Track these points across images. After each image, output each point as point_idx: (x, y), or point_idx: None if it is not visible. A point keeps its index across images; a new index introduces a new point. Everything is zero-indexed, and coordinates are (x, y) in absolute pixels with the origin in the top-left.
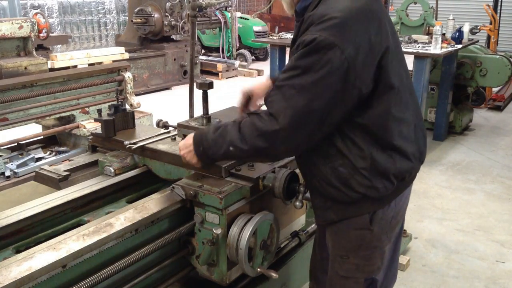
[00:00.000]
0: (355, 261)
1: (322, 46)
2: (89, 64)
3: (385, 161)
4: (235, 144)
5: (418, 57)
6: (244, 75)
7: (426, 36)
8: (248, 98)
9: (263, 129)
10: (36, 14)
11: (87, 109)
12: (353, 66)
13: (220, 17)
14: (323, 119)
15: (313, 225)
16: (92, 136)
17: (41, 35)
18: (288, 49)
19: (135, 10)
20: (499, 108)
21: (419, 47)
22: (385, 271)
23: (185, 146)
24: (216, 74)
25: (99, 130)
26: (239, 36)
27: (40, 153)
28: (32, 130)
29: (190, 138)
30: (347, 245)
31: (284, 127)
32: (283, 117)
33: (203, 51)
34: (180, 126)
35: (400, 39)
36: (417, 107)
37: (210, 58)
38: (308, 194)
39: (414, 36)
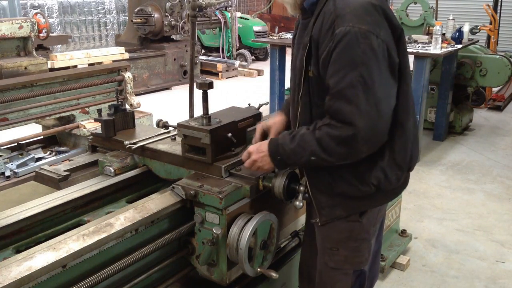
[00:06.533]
0: (344, 253)
1: (358, 37)
2: (89, 64)
3: (402, 150)
4: (317, 154)
5: (418, 57)
6: (244, 75)
7: (426, 36)
8: (264, 134)
9: (342, 136)
10: (36, 14)
11: (87, 109)
12: (390, 45)
13: (220, 17)
14: (390, 104)
15: None
16: (92, 136)
17: (41, 35)
18: (288, 49)
19: (135, 10)
20: (499, 108)
21: (419, 47)
22: (370, 264)
23: (258, 151)
24: (216, 74)
25: (99, 130)
26: (239, 36)
27: (40, 153)
28: (32, 130)
29: (263, 145)
30: (337, 237)
31: (361, 128)
32: (356, 119)
33: (203, 51)
34: (180, 126)
35: None
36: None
37: (210, 58)
38: (307, 194)
39: (414, 36)
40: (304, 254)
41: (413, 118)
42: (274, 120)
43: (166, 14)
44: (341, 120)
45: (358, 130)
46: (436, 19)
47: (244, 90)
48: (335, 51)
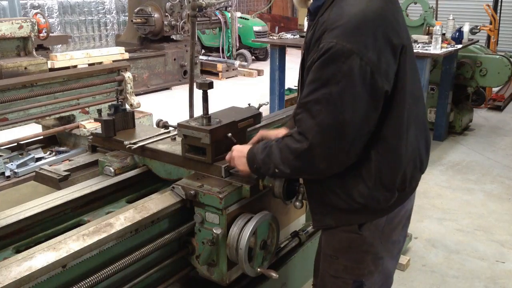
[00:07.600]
0: (344, 263)
1: (339, 55)
2: (89, 64)
3: (390, 173)
4: (278, 167)
5: (418, 57)
6: (244, 75)
7: (426, 36)
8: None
9: (297, 150)
10: (36, 14)
11: (87, 109)
12: (378, 70)
13: (220, 17)
14: (360, 128)
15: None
16: (92, 136)
17: (41, 35)
18: (288, 49)
19: (135, 10)
20: (499, 108)
21: (419, 47)
22: (384, 279)
23: (238, 154)
24: (216, 74)
25: (99, 130)
26: (239, 36)
27: (40, 153)
28: (32, 130)
29: (244, 149)
30: (336, 246)
31: (316, 145)
32: (313, 135)
33: (203, 51)
34: (180, 126)
35: None
36: (423, 112)
37: (210, 58)
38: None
39: (414, 36)
40: (317, 252)
41: (408, 141)
42: (276, 131)
43: (166, 14)
44: (300, 132)
45: (314, 146)
46: (436, 19)
47: (244, 90)
48: (315, 63)
